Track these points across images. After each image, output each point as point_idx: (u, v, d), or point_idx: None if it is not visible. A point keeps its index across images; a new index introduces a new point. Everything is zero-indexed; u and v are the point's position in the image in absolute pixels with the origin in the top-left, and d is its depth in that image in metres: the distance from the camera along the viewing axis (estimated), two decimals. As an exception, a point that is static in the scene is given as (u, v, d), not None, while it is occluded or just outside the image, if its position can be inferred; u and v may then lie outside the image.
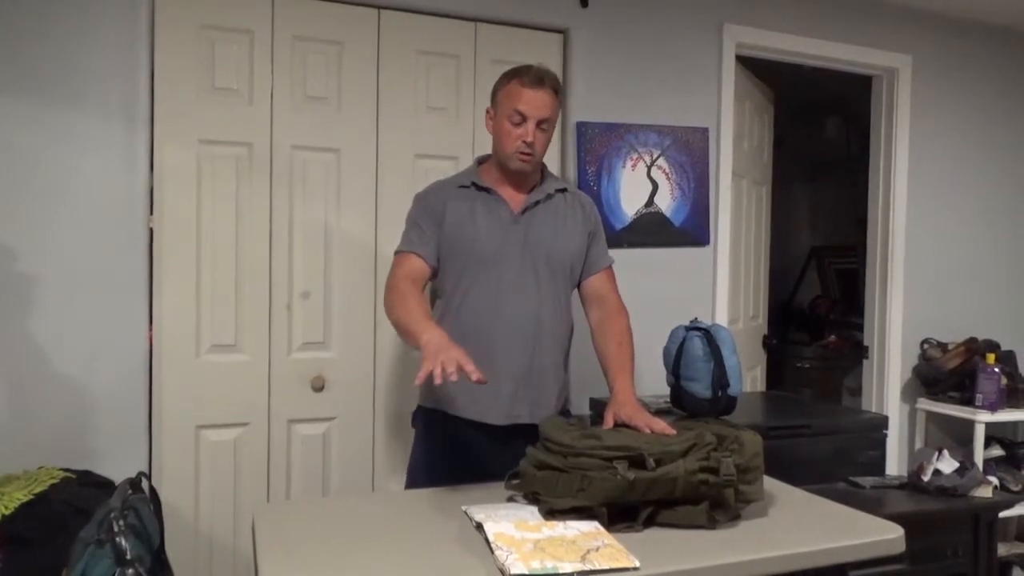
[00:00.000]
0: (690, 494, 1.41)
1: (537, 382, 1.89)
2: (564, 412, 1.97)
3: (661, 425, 1.60)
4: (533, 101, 1.82)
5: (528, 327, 1.87)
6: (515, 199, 1.91)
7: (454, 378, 1.49)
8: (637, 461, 1.41)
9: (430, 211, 1.91)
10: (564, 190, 1.99)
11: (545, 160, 1.98)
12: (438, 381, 1.49)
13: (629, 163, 2.86)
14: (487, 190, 1.91)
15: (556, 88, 1.88)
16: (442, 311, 1.92)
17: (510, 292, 1.86)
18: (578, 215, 1.98)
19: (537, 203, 1.91)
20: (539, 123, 1.83)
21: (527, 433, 1.74)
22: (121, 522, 1.53)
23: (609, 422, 1.69)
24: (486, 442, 1.84)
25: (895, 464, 3.30)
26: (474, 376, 1.52)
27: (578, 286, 2.01)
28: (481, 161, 2.00)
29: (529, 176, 1.93)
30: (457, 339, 1.85)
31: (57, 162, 2.16)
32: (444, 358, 1.51)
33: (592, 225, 2.01)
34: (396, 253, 1.92)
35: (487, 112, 1.94)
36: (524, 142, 1.83)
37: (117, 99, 2.21)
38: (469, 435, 1.87)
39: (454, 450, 1.86)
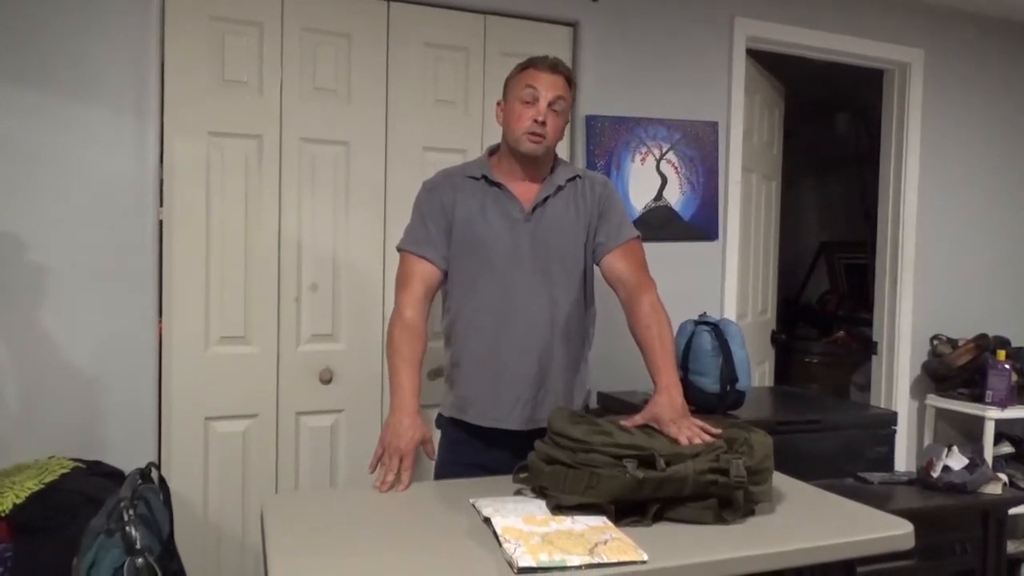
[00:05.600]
0: (699, 493, 1.40)
1: (555, 384, 1.87)
2: (584, 408, 1.95)
3: (704, 439, 1.50)
4: (547, 81, 1.80)
5: (543, 329, 1.84)
6: (526, 195, 1.87)
7: (384, 490, 1.60)
8: (647, 461, 1.41)
9: (439, 206, 1.86)
10: (575, 178, 1.92)
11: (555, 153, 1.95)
12: (376, 487, 1.61)
13: (638, 157, 2.85)
14: (498, 185, 1.86)
15: (570, 77, 1.85)
16: (454, 314, 1.89)
17: (523, 294, 1.83)
18: (587, 202, 1.90)
19: (547, 199, 1.87)
20: (551, 104, 1.79)
21: None
22: (131, 512, 1.54)
23: (636, 421, 1.62)
24: (508, 448, 1.80)
25: (904, 460, 3.29)
26: (430, 457, 1.76)
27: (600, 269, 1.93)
28: (492, 152, 1.95)
29: (540, 166, 1.88)
30: (471, 345, 1.86)
31: (66, 153, 2.16)
32: (387, 462, 1.63)
33: (601, 206, 1.91)
34: (402, 250, 1.88)
35: (498, 104, 1.90)
36: (536, 121, 1.78)
37: (127, 90, 2.21)
38: (491, 442, 1.85)
39: (476, 459, 1.83)
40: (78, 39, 2.16)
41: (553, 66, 1.82)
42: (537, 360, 1.84)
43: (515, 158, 1.86)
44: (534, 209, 1.86)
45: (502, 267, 1.83)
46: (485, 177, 1.87)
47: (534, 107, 1.79)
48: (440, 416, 1.95)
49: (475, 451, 1.86)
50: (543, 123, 1.79)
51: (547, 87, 1.80)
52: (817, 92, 4.29)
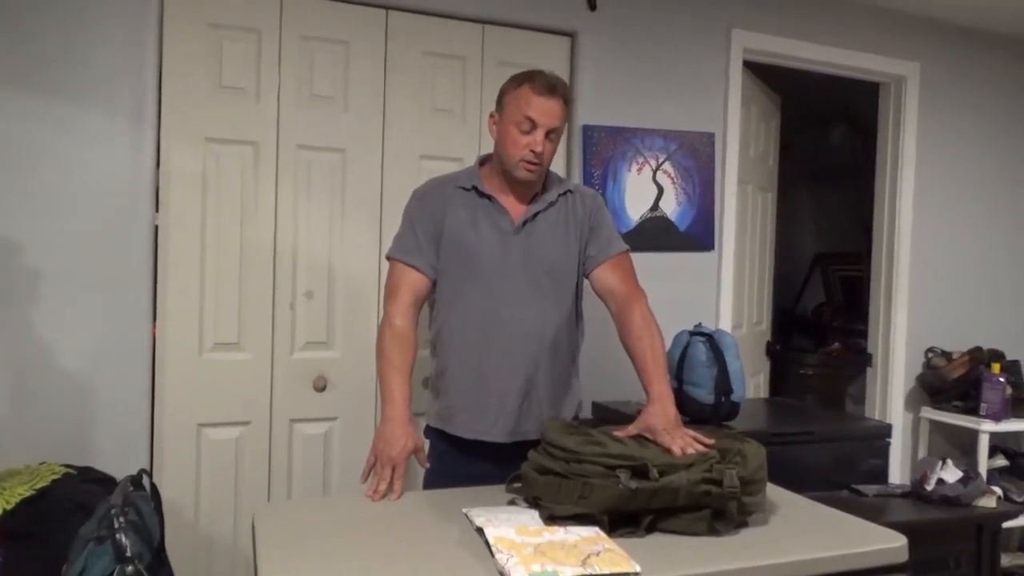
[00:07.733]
0: (692, 503, 1.40)
1: (542, 396, 1.86)
2: (576, 419, 1.93)
3: (697, 448, 1.50)
4: (544, 108, 1.76)
5: (531, 341, 1.83)
6: (516, 209, 1.86)
7: (377, 499, 1.59)
8: (640, 471, 1.40)
9: (429, 215, 1.86)
10: (566, 192, 1.91)
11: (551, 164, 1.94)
12: (368, 496, 1.61)
13: (635, 167, 2.86)
14: (489, 197, 1.85)
15: (566, 97, 1.82)
16: (440, 323, 1.89)
17: (512, 306, 1.82)
18: (578, 216, 1.90)
19: (537, 214, 1.86)
20: (548, 132, 1.77)
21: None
22: (122, 519, 1.53)
23: (629, 432, 1.61)
24: (492, 460, 1.79)
25: (898, 473, 3.29)
26: (423, 465, 1.78)
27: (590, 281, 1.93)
28: (483, 162, 1.93)
29: (532, 184, 1.87)
30: (458, 355, 1.86)
31: (63, 158, 2.16)
32: (380, 471, 1.63)
33: (591, 220, 1.91)
34: (391, 258, 1.88)
35: (491, 116, 1.87)
36: (532, 151, 1.76)
37: (124, 95, 2.21)
38: (474, 454, 1.84)
39: (462, 470, 1.81)
40: (77, 43, 2.16)
41: (551, 88, 1.77)
42: (524, 372, 1.83)
43: (507, 177, 1.85)
44: (524, 223, 1.85)
45: (491, 278, 1.82)
46: (476, 188, 1.86)
47: (531, 136, 1.77)
48: (427, 427, 1.93)
49: (460, 462, 1.85)
50: (540, 152, 1.77)
51: (545, 116, 1.76)
52: (813, 103, 4.31)
